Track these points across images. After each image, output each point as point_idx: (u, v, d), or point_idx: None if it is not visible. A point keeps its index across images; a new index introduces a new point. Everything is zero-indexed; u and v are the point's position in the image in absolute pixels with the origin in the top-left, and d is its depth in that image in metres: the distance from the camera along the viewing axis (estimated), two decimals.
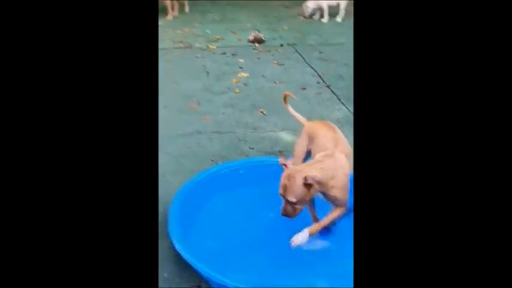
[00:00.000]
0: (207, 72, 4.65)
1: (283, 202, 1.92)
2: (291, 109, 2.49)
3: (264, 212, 2.26)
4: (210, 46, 5.46)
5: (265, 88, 4.30)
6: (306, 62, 5.00)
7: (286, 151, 3.03)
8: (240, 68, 4.79)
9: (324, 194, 1.97)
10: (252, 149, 3.18)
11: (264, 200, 2.28)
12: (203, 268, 1.83)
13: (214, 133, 3.39)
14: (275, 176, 2.00)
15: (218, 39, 5.74)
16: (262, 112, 3.76)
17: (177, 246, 1.95)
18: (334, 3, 6.60)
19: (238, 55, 5.19)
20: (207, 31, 6.07)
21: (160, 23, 6.22)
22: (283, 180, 1.88)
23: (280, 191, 1.89)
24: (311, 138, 2.23)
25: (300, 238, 1.98)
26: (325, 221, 2.05)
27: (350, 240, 1.41)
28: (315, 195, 2.00)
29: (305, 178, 1.83)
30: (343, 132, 2.24)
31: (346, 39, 5.48)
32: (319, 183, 1.87)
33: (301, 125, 2.45)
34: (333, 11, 6.64)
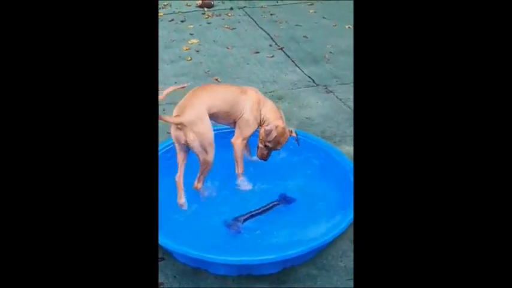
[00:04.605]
0: None
1: (261, 149, 2.22)
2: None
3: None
4: None
5: (217, 54, 4.17)
6: (258, 25, 4.88)
7: None
8: (190, 34, 4.62)
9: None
10: None
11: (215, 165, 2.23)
12: (166, 241, 1.81)
13: (168, 104, 3.26)
14: (225, 143, 2.25)
15: (165, 5, 5.47)
16: (216, 79, 3.66)
17: None
18: None
19: (188, 21, 4.99)
20: None
21: None
22: (274, 133, 2.16)
23: (271, 143, 2.18)
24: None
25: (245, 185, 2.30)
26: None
27: None
28: None
29: (291, 131, 2.27)
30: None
31: None
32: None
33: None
34: None
